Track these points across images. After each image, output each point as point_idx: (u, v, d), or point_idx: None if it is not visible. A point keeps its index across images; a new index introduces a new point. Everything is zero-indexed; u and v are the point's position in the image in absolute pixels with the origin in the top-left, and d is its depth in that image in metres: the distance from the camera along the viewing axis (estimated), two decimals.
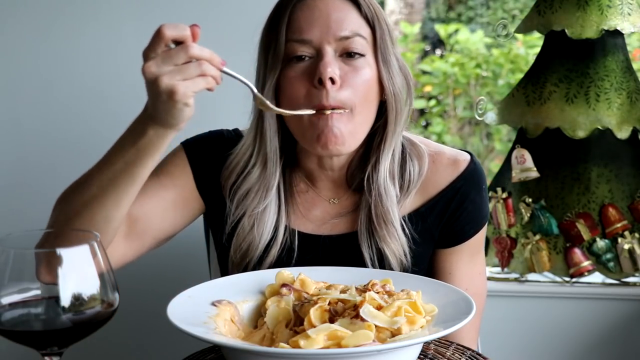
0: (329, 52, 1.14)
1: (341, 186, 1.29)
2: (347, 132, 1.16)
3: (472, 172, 1.27)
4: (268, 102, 1.09)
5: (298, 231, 1.26)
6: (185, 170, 1.28)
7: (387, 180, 1.23)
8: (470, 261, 1.30)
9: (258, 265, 1.24)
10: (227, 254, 1.28)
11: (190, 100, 0.97)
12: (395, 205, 1.23)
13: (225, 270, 1.31)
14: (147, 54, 0.96)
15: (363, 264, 1.23)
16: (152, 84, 0.95)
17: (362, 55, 1.16)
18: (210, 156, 1.29)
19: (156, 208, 1.24)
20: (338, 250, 1.26)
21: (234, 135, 1.33)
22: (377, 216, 1.22)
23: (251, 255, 1.24)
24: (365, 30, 1.18)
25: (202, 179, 1.28)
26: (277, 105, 1.18)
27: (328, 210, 1.28)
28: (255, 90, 1.06)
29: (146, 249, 1.25)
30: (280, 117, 1.21)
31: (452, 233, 1.27)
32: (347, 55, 1.16)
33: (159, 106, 0.98)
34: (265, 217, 1.23)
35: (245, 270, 1.24)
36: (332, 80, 1.13)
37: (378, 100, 1.21)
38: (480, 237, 1.30)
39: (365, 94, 1.17)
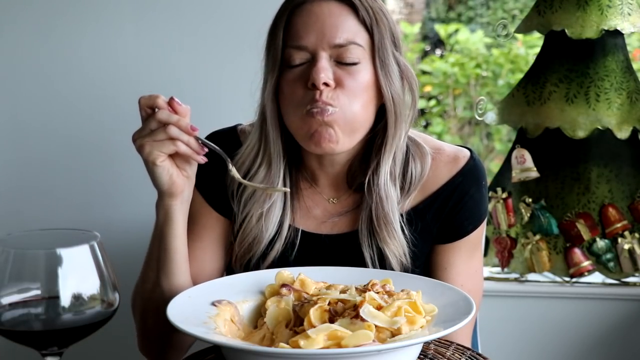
0: (323, 57, 1.15)
1: (341, 187, 1.29)
2: (341, 132, 1.17)
3: (472, 168, 1.27)
4: (239, 176, 1.17)
5: (300, 229, 1.27)
6: (203, 205, 1.29)
7: (388, 183, 1.23)
8: (468, 258, 1.29)
9: (262, 259, 1.26)
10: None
11: (159, 161, 1.11)
12: (396, 207, 1.23)
13: (229, 266, 1.32)
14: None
15: (363, 263, 1.23)
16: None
17: (356, 63, 1.17)
18: (210, 168, 1.25)
19: (204, 260, 1.29)
20: (338, 249, 1.26)
21: (229, 131, 1.35)
22: (378, 218, 1.23)
23: (255, 249, 1.25)
24: (362, 36, 1.18)
25: (213, 198, 1.30)
26: (277, 105, 1.21)
27: (328, 209, 1.29)
28: (230, 165, 1.15)
29: None
30: (281, 118, 1.22)
31: (450, 229, 1.27)
32: (341, 62, 1.17)
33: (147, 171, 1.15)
34: (271, 214, 1.25)
35: (248, 263, 1.26)
36: (326, 84, 1.15)
37: (376, 104, 1.21)
38: (478, 234, 1.30)
39: (360, 96, 1.17)
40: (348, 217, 1.28)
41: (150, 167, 1.13)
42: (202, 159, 1.14)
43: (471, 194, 1.26)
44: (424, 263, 1.29)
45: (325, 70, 1.14)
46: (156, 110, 1.11)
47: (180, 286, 1.19)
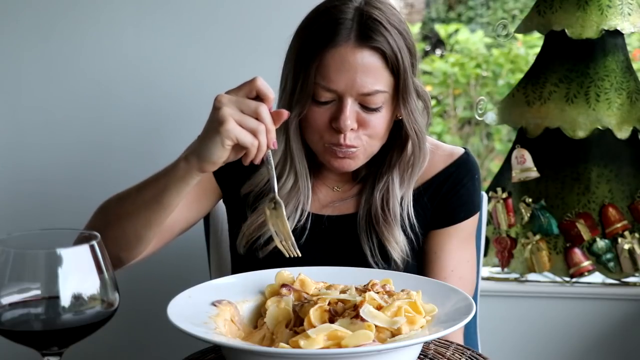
0: (350, 103, 1.21)
1: (345, 179, 1.36)
2: (359, 160, 1.27)
3: (466, 161, 1.36)
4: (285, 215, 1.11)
5: (307, 212, 1.32)
6: (209, 175, 1.32)
7: (397, 189, 1.30)
8: (460, 246, 1.34)
9: (271, 238, 1.27)
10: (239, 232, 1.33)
11: (227, 142, 1.03)
12: (398, 207, 1.30)
13: (234, 249, 1.35)
14: (231, 90, 1.06)
15: (361, 244, 1.29)
16: (215, 110, 1.04)
17: (379, 107, 1.23)
18: None
19: (180, 205, 1.25)
20: (339, 230, 1.32)
21: None
22: (377, 217, 1.29)
23: (265, 230, 1.28)
24: (388, 82, 1.23)
25: (220, 170, 1.30)
26: (301, 129, 1.27)
27: (331, 195, 1.36)
28: (276, 194, 1.10)
29: (169, 241, 1.32)
30: (302, 133, 1.29)
31: (443, 214, 1.34)
32: (365, 107, 1.23)
33: (204, 135, 1.06)
34: (292, 197, 1.31)
35: (255, 242, 1.29)
36: (351, 129, 1.22)
37: (392, 125, 1.28)
38: (470, 227, 1.36)
39: (380, 133, 1.25)
40: (349, 202, 1.35)
41: (216, 140, 1.04)
42: (254, 162, 1.07)
43: (464, 182, 1.34)
44: (418, 251, 1.33)
45: (351, 117, 1.21)
46: (261, 104, 1.04)
47: (147, 237, 1.18)
